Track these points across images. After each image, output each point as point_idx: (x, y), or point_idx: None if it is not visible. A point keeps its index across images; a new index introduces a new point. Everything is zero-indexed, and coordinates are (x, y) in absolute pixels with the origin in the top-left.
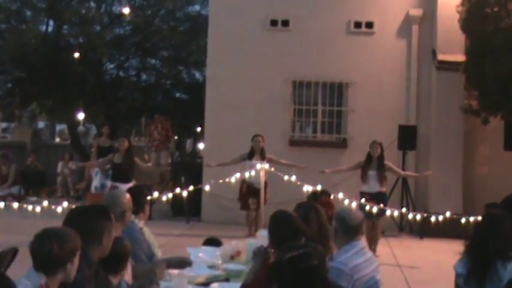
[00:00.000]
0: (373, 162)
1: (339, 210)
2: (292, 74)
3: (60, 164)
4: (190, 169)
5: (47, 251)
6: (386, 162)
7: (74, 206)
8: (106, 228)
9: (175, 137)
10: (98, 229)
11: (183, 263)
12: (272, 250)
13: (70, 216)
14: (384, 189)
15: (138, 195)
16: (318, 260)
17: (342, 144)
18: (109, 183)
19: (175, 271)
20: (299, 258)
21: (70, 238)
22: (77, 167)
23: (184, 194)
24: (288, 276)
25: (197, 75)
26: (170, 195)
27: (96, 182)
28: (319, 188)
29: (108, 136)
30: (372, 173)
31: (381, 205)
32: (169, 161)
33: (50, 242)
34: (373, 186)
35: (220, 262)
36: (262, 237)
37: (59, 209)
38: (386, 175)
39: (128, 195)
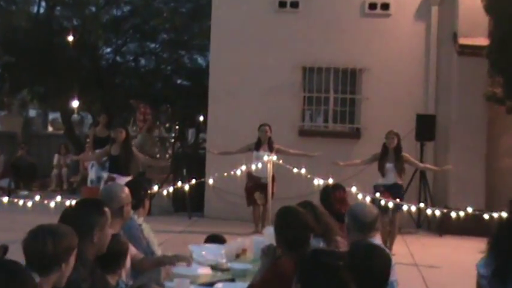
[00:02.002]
0: (389, 154)
1: (352, 206)
2: (302, 60)
3: (56, 157)
4: (192, 161)
5: (40, 249)
6: (403, 153)
7: (68, 201)
8: (97, 224)
9: (177, 127)
10: (87, 224)
11: (182, 259)
12: (279, 249)
13: (65, 212)
14: (400, 182)
15: (137, 189)
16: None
17: (356, 134)
18: (105, 174)
19: (178, 268)
20: (325, 254)
21: (66, 236)
22: (71, 160)
23: (186, 187)
24: (312, 273)
25: (200, 60)
26: (171, 189)
27: (92, 175)
28: (330, 181)
29: (105, 125)
30: (389, 165)
31: (397, 200)
32: (170, 151)
33: (44, 239)
34: (390, 179)
35: (224, 261)
36: (269, 235)
37: (52, 204)
38: (404, 167)
39: (126, 189)
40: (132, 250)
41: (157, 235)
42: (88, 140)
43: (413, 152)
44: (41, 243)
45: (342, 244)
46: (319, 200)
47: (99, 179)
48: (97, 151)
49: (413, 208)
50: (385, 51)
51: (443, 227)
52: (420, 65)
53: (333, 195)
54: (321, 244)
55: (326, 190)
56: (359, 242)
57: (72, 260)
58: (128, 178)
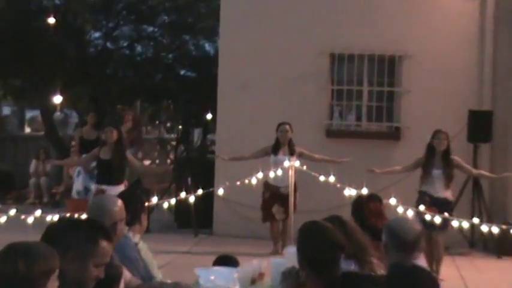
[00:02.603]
0: (436, 158)
1: (391, 220)
2: (330, 45)
3: (33, 163)
4: (198, 167)
5: (10, 271)
6: (453, 157)
7: (49, 216)
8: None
9: (180, 127)
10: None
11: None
12: (303, 272)
13: (48, 230)
14: (449, 197)
15: (132, 201)
16: None
17: (395, 134)
18: (94, 186)
19: None
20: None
21: (41, 256)
22: (53, 165)
23: (192, 199)
24: None
25: (207, 46)
26: (173, 201)
27: (78, 185)
28: (364, 191)
29: (93, 126)
30: (436, 172)
31: (446, 214)
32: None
33: (14, 259)
34: (438, 189)
35: (238, 287)
36: (290, 255)
37: (30, 219)
38: (454, 174)
39: (119, 202)
40: (127, 275)
41: (157, 256)
42: (73, 143)
43: (465, 155)
44: (11, 265)
45: (378, 266)
46: (351, 213)
47: (86, 189)
48: (84, 156)
49: (465, 224)
50: (430, 35)
51: (502, 247)
52: (473, 51)
53: (367, 207)
54: (353, 267)
55: (359, 201)
56: (399, 263)
57: (51, 284)
58: (121, 188)
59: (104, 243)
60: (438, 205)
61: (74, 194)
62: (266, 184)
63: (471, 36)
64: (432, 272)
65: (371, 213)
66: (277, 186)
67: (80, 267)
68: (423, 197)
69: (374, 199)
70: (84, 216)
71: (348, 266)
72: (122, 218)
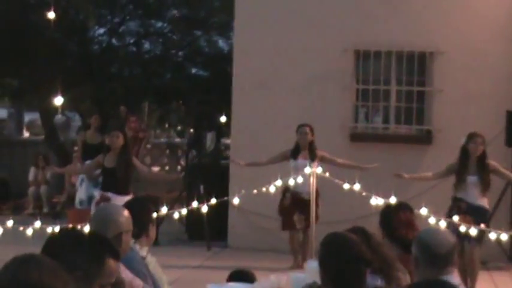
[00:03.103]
0: (471, 163)
1: (422, 232)
2: (355, 41)
3: (32, 171)
4: (211, 174)
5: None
6: (490, 161)
7: (50, 228)
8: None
9: (191, 130)
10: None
11: None
12: None
13: (48, 245)
14: (486, 205)
15: (140, 211)
16: None
17: (426, 138)
18: (98, 193)
19: None
20: None
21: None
22: (54, 173)
23: (204, 209)
24: None
25: (221, 43)
26: (184, 211)
27: (81, 194)
28: (393, 200)
29: (97, 129)
30: (471, 179)
31: (482, 225)
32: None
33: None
34: (473, 197)
35: None
36: (312, 270)
37: (29, 231)
38: (490, 180)
39: (125, 212)
40: (134, 282)
41: (166, 271)
42: (76, 148)
43: (503, 161)
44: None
45: (405, 281)
46: (379, 223)
47: (90, 198)
48: (87, 162)
49: (504, 236)
50: (463, 29)
51: None
52: (510, 47)
53: (396, 217)
54: (379, 282)
55: (387, 211)
56: (429, 280)
57: None
58: (127, 198)
59: (111, 262)
60: (473, 213)
61: (76, 203)
62: (286, 189)
63: (508, 29)
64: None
65: (401, 224)
66: (299, 192)
67: None
68: (457, 203)
69: (404, 208)
70: (87, 227)
71: (374, 281)
72: (128, 229)
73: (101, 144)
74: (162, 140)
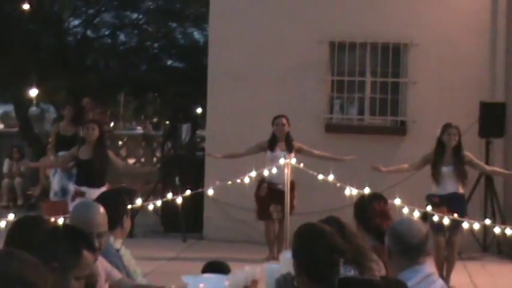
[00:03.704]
0: (447, 154)
1: (395, 223)
2: (330, 33)
3: (6, 163)
4: (187, 166)
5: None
6: (465, 153)
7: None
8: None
9: (167, 122)
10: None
11: None
12: (299, 279)
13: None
14: (461, 191)
15: (114, 203)
16: None
17: (400, 129)
18: (72, 187)
19: None
20: (359, 284)
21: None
22: (27, 167)
23: (179, 200)
24: None
25: (196, 35)
26: (159, 202)
27: (55, 186)
28: (367, 191)
29: (71, 120)
30: (446, 170)
31: (457, 215)
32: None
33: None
34: (449, 187)
35: None
36: (286, 261)
37: (2, 224)
38: (467, 172)
39: (102, 211)
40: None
41: (141, 263)
42: (50, 140)
43: (476, 151)
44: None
45: (378, 272)
46: (353, 214)
47: (64, 190)
48: (61, 154)
49: (477, 226)
50: (437, 20)
51: None
52: (485, 38)
53: (370, 208)
54: (352, 273)
55: (362, 202)
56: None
57: None
58: (102, 190)
59: (87, 255)
60: (448, 203)
61: (51, 195)
62: (262, 180)
63: (482, 21)
64: (442, 277)
65: (375, 214)
66: (275, 183)
67: (60, 281)
68: (431, 199)
69: (378, 199)
70: (61, 219)
71: (347, 272)
72: (105, 229)
73: (75, 136)
74: (138, 132)
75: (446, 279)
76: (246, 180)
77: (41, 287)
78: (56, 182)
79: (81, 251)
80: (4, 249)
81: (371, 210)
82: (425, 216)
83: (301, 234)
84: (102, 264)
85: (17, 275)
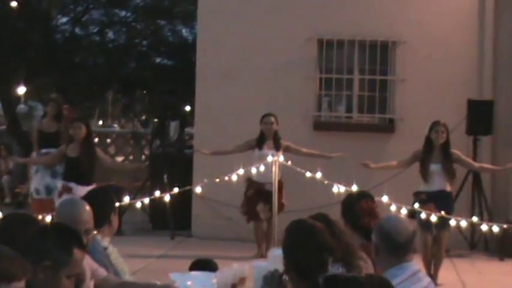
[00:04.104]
0: (435, 151)
1: (382, 220)
2: (318, 31)
3: None
4: (175, 164)
5: None
6: (453, 150)
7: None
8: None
9: (155, 120)
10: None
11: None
12: (288, 276)
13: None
14: (449, 188)
15: (102, 201)
16: None
17: (388, 127)
18: (59, 183)
19: None
20: (344, 282)
21: (6, 257)
22: (17, 163)
23: (168, 198)
24: None
25: (185, 32)
26: (147, 200)
27: (38, 183)
28: (354, 189)
29: (53, 117)
30: (435, 167)
31: (442, 212)
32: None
33: None
34: (437, 185)
35: None
36: (274, 258)
37: None
38: (455, 170)
39: (88, 208)
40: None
41: (129, 261)
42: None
43: (464, 149)
44: None
45: (366, 270)
46: (341, 213)
47: (48, 188)
48: (43, 151)
49: (464, 223)
50: (425, 18)
51: (505, 248)
52: (472, 36)
53: (358, 207)
54: (339, 271)
55: (349, 200)
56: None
57: None
58: (90, 188)
59: (78, 253)
60: (435, 200)
61: (31, 192)
62: (249, 180)
63: (470, 19)
64: (429, 275)
65: (363, 213)
66: (262, 183)
67: (52, 279)
68: (418, 196)
69: (366, 197)
70: (49, 217)
71: (335, 270)
72: (91, 227)
73: (58, 133)
74: (127, 129)
75: (433, 276)
76: (234, 177)
77: (19, 278)
78: (38, 179)
79: (72, 249)
80: None
81: (359, 208)
82: (412, 214)
83: (292, 231)
84: (87, 262)
85: None
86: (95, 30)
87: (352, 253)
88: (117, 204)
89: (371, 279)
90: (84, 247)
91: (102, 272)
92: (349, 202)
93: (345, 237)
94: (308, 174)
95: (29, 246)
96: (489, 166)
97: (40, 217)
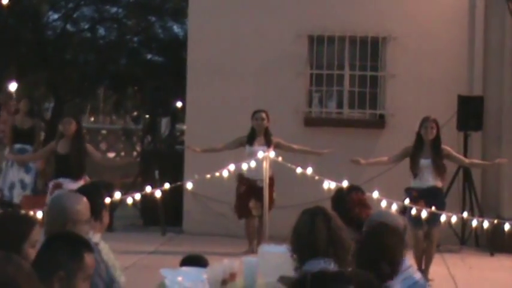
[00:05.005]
0: (425, 147)
1: (372, 215)
2: (308, 27)
3: None
4: (166, 160)
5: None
6: (444, 146)
7: None
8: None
9: (147, 116)
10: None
11: None
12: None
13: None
14: (439, 184)
15: (93, 197)
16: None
17: (379, 123)
18: (51, 183)
19: None
20: (330, 278)
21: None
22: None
23: (159, 194)
24: None
25: (176, 29)
26: (138, 196)
27: (12, 178)
28: (345, 184)
29: (27, 113)
30: (425, 162)
31: (433, 208)
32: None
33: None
34: (427, 181)
35: None
36: (264, 254)
37: None
38: (445, 165)
39: (84, 200)
40: None
41: (121, 257)
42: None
43: (455, 144)
44: None
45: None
46: (331, 207)
47: (22, 182)
48: (17, 147)
49: (455, 219)
50: (416, 14)
51: (495, 244)
52: (462, 32)
53: (349, 199)
54: (332, 266)
55: (340, 193)
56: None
57: None
58: (80, 183)
59: (88, 256)
60: (426, 196)
61: (5, 189)
62: (240, 177)
63: (460, 15)
64: (420, 270)
65: (354, 204)
66: (253, 179)
67: (68, 287)
68: (409, 193)
69: (356, 190)
70: (39, 213)
71: (327, 265)
72: (86, 218)
73: (31, 129)
74: (118, 126)
75: (424, 271)
76: (225, 173)
77: None
78: (12, 174)
79: (83, 254)
80: (2, 253)
81: (349, 200)
82: (403, 210)
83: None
84: None
85: (10, 280)
86: (86, 26)
87: (346, 249)
88: (108, 200)
89: (357, 275)
90: (92, 249)
91: None
92: (340, 195)
93: (340, 233)
94: (299, 170)
95: (40, 261)
96: (480, 162)
97: (31, 213)
